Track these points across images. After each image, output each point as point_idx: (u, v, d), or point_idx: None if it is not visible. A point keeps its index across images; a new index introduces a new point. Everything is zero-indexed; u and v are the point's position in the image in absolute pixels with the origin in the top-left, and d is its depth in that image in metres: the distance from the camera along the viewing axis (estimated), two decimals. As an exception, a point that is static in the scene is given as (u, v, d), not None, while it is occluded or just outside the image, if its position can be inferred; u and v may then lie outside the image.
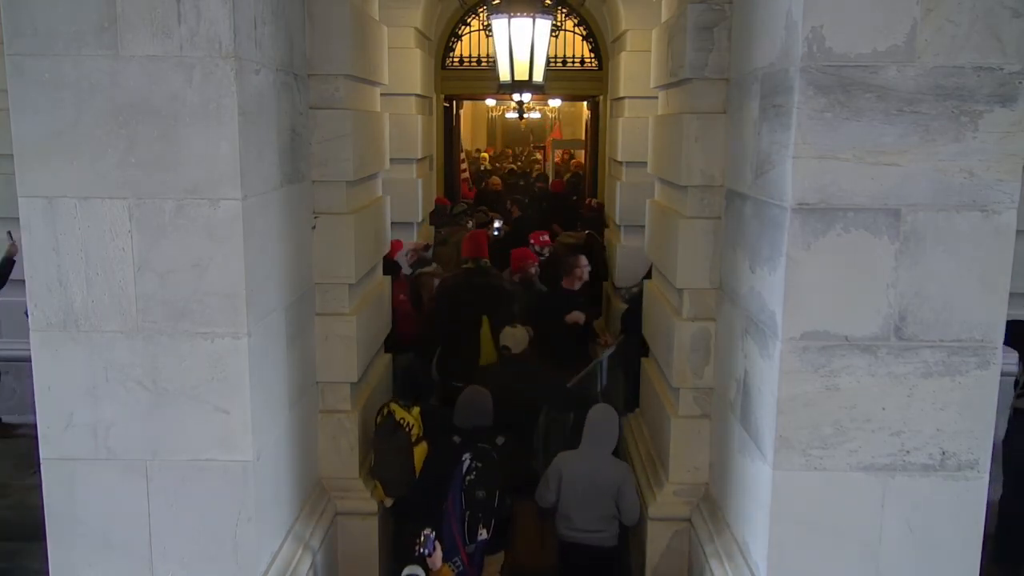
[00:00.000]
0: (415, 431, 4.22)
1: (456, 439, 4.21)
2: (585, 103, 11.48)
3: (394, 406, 4.27)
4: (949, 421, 2.93)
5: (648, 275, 5.38)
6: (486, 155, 14.34)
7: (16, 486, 5.69)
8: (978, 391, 2.91)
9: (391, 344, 5.08)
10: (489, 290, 5.85)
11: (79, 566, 3.13)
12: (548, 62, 6.95)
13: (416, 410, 4.32)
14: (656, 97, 5.06)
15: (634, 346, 5.59)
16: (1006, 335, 2.91)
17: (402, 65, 7.33)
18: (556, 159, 16.15)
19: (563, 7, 8.78)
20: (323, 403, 4.18)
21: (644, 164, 5.30)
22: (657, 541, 4.23)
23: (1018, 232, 2.86)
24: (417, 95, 7.91)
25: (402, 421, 4.20)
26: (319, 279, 4.04)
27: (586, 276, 6.33)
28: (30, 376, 3.06)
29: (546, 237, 7.85)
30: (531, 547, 4.40)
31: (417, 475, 4.17)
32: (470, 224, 8.82)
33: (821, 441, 2.96)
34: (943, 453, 2.95)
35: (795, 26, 2.79)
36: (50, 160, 2.88)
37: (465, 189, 11.61)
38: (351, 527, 4.23)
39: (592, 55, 9.39)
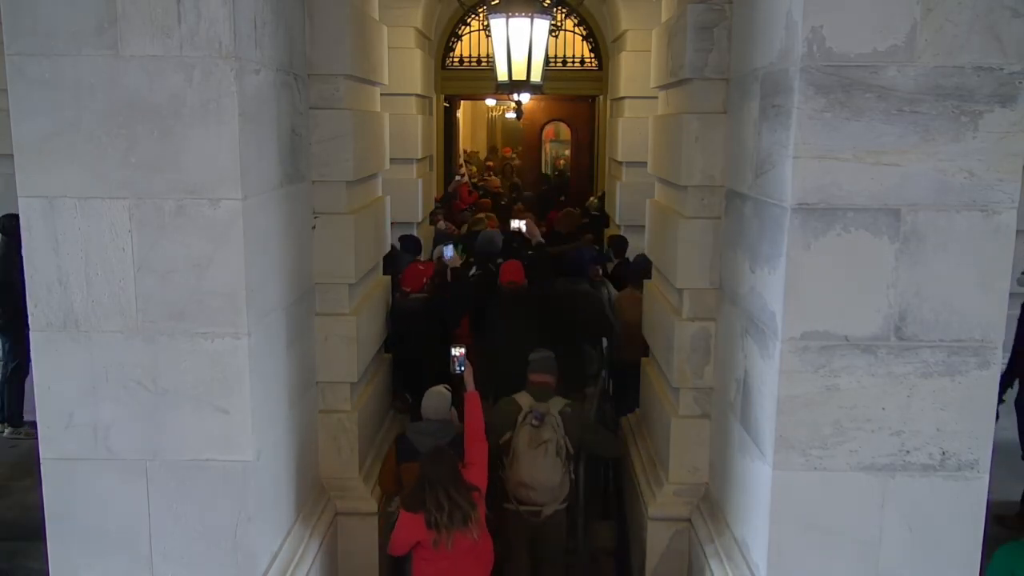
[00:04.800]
0: None
1: None
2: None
3: None
4: (949, 421, 2.93)
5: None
6: (496, 179, 14.41)
7: (16, 486, 5.68)
8: (978, 391, 2.91)
9: None
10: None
11: (79, 566, 3.13)
12: (548, 62, 6.94)
13: None
14: (656, 97, 5.06)
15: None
16: None
17: (402, 65, 7.35)
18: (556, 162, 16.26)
19: (562, 7, 8.78)
20: (323, 403, 4.18)
21: (644, 164, 5.30)
22: (657, 541, 4.23)
23: (1018, 232, 2.86)
24: (417, 95, 7.93)
25: None
26: (319, 279, 4.04)
27: None
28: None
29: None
30: None
31: None
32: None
33: (821, 441, 2.96)
34: (943, 453, 2.95)
35: (795, 26, 2.79)
36: (50, 160, 2.88)
37: (464, 193, 11.59)
38: (351, 527, 4.23)
39: (592, 55, 9.40)
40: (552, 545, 4.42)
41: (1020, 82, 2.73)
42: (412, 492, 3.72)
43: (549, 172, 14.83)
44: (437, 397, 4.29)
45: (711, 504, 3.98)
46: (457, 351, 4.30)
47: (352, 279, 4.11)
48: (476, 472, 3.86)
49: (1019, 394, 5.34)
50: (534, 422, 4.22)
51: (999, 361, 2.91)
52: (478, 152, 16.29)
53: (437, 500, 3.59)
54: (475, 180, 13.72)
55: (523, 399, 4.35)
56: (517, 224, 6.13)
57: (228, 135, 2.88)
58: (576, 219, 8.49)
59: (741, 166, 3.53)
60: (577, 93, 10.08)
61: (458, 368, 4.26)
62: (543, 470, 4.21)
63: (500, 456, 4.29)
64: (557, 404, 4.34)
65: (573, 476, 4.40)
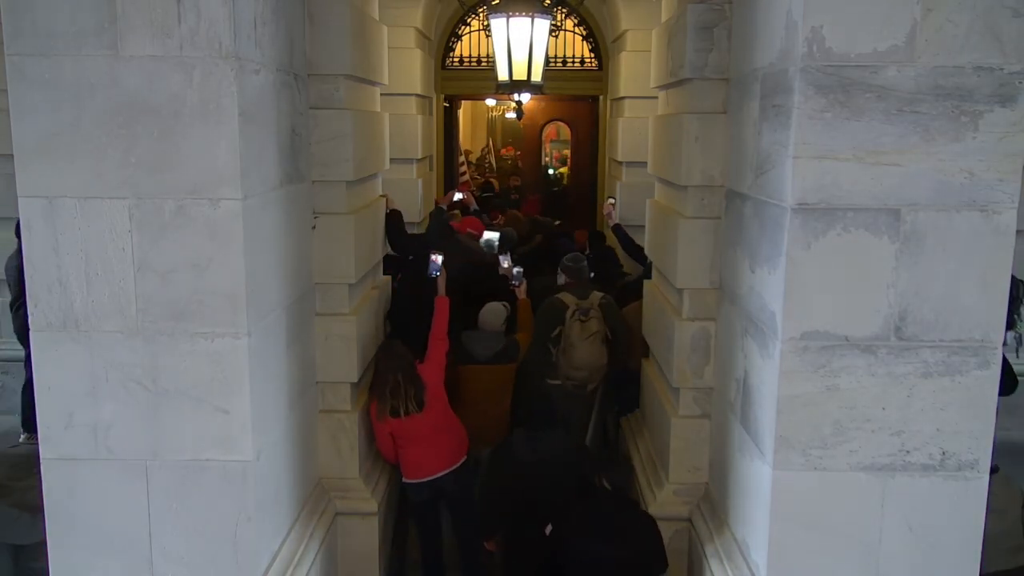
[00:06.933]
0: None
1: None
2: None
3: None
4: (949, 421, 2.93)
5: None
6: (495, 182, 14.42)
7: (16, 486, 5.67)
8: (978, 391, 2.91)
9: None
10: None
11: (79, 566, 3.13)
12: (548, 62, 6.93)
13: None
14: (656, 97, 5.06)
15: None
16: None
17: (402, 65, 7.33)
18: (555, 157, 16.24)
19: (562, 7, 8.77)
20: (323, 403, 4.18)
21: (644, 164, 5.31)
22: (657, 541, 4.22)
23: (1018, 232, 2.86)
24: (417, 95, 7.91)
25: None
26: (319, 279, 4.04)
27: None
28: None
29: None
30: None
31: None
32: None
33: (821, 441, 2.96)
34: (943, 453, 2.95)
35: (795, 26, 2.79)
36: (50, 160, 2.88)
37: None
38: (351, 527, 4.23)
39: (592, 55, 9.39)
40: (583, 412, 5.26)
41: (1020, 82, 2.73)
42: (373, 384, 4.31)
43: (552, 173, 14.80)
44: (493, 312, 5.04)
45: (711, 504, 3.98)
46: (434, 256, 4.78)
47: (352, 279, 4.11)
48: (431, 367, 4.39)
49: None
50: (582, 317, 5.12)
51: (999, 361, 2.91)
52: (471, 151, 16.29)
53: (394, 386, 4.21)
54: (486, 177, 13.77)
55: (567, 298, 5.20)
56: (459, 195, 7.11)
57: (228, 135, 2.88)
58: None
59: (741, 166, 3.53)
60: (577, 93, 10.04)
61: (433, 272, 4.75)
62: (593, 356, 5.13)
63: (552, 345, 5.17)
64: (595, 298, 5.25)
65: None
